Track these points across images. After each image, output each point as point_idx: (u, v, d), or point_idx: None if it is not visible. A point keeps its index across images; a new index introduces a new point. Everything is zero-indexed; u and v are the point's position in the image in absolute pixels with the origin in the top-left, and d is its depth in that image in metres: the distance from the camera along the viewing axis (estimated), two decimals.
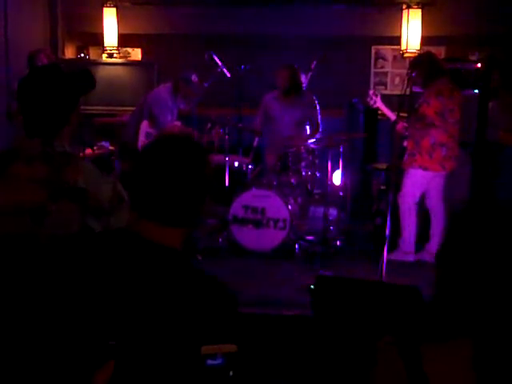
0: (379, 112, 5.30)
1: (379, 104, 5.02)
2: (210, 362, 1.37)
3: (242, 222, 5.14)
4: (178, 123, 5.91)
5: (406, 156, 4.92)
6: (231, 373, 1.39)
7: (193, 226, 1.55)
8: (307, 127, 5.72)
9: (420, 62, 4.89)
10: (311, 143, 5.41)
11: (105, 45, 7.36)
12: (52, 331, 1.38)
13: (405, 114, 5.07)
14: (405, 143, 4.95)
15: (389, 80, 7.45)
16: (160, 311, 1.39)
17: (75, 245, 1.53)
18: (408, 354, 1.31)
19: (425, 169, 4.84)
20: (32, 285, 1.51)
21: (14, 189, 1.99)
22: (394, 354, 1.33)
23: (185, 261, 1.50)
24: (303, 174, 5.32)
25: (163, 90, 5.83)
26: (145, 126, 5.74)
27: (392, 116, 4.91)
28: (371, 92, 5.09)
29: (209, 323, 1.42)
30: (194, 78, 5.66)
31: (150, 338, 1.36)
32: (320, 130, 5.61)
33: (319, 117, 5.61)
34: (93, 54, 7.66)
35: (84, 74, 2.19)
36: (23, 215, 1.95)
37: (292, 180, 5.33)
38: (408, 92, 4.52)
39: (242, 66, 5.91)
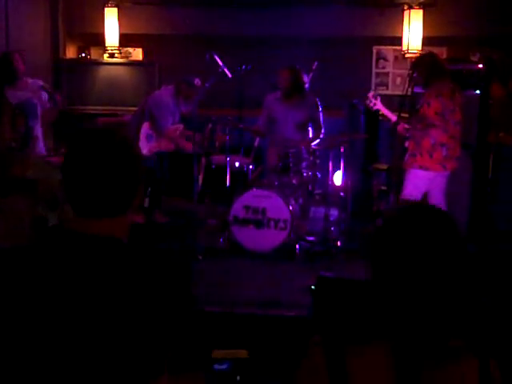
0: (379, 113, 5.29)
1: (379, 106, 5.02)
2: (216, 366, 1.36)
3: (243, 222, 5.13)
4: (181, 126, 5.92)
5: (406, 156, 4.92)
6: (238, 377, 1.38)
7: (132, 210, 1.49)
8: (309, 129, 5.71)
9: (421, 62, 4.88)
10: (312, 144, 5.42)
11: (106, 45, 7.36)
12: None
13: (406, 115, 5.07)
14: (406, 144, 4.95)
15: (390, 80, 7.45)
16: (111, 310, 1.34)
17: (12, 254, 1.45)
18: (332, 353, 1.30)
19: (425, 169, 4.83)
20: None
21: None
22: (319, 352, 1.32)
23: (133, 252, 1.45)
24: (304, 174, 5.32)
25: (165, 92, 5.83)
26: (145, 127, 5.75)
27: (392, 117, 4.91)
28: (370, 95, 5.09)
29: (163, 316, 1.39)
30: (196, 81, 5.68)
31: (106, 343, 1.32)
32: (323, 131, 5.60)
33: (322, 118, 5.60)
34: (94, 54, 7.67)
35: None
36: None
37: (293, 180, 5.32)
38: (409, 92, 4.51)
39: (243, 67, 5.91)
